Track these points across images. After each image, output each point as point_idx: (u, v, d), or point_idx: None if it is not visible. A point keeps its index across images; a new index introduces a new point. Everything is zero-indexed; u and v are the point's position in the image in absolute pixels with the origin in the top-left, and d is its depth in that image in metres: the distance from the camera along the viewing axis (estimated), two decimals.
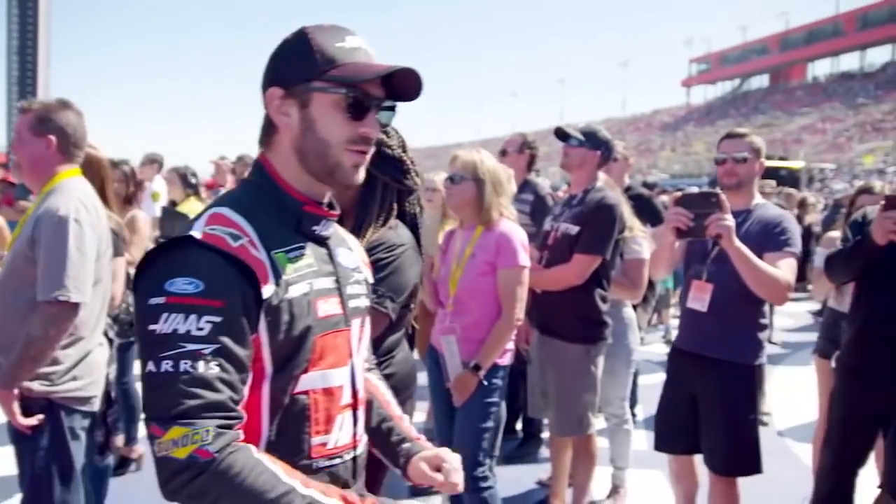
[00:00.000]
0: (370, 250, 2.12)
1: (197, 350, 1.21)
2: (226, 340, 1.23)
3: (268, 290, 1.29)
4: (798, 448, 5.12)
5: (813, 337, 5.12)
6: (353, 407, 1.45)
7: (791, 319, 9.79)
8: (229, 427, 1.21)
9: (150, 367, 1.21)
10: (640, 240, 3.80)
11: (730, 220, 2.80)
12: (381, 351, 2.25)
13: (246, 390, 1.26)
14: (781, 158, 24.24)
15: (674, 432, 3.30)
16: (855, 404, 3.16)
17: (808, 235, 8.48)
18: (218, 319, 1.22)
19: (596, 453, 3.83)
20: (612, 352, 3.79)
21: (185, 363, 1.20)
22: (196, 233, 1.27)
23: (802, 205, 13.14)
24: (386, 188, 2.28)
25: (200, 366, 1.20)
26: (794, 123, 57.07)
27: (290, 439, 1.35)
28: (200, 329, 1.21)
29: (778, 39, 75.44)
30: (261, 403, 1.31)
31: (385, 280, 2.14)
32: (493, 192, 3.06)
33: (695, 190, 3.06)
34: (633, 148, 45.96)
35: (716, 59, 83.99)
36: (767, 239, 2.98)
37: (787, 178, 19.66)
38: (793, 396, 6.02)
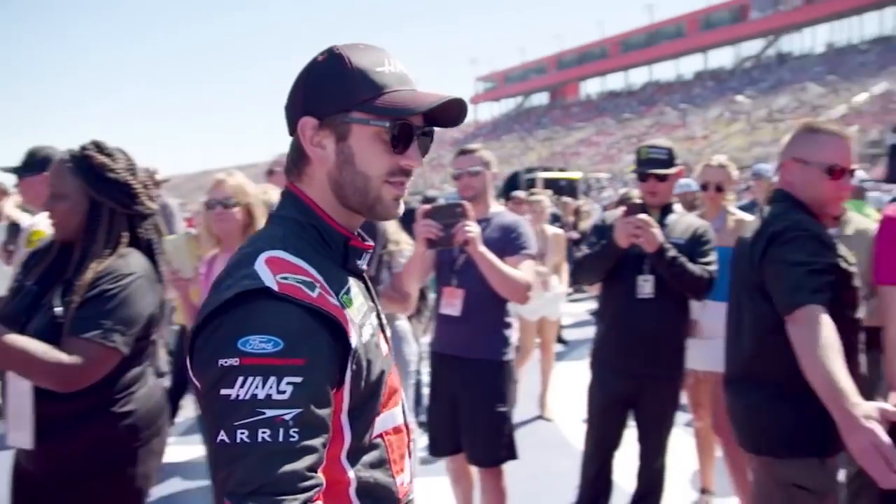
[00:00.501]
0: (97, 280, 2.01)
1: (277, 416, 1.08)
2: (308, 403, 1.11)
3: (354, 339, 1.21)
4: (574, 438, 5.47)
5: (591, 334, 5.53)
6: (408, 441, 1.41)
7: (571, 318, 10.45)
8: (311, 500, 1.08)
9: (223, 436, 1.08)
10: (408, 253, 3.89)
11: (475, 228, 3.00)
12: (118, 387, 2.12)
13: (325, 451, 1.14)
14: (561, 170, 25.83)
15: (443, 434, 3.48)
16: (609, 394, 3.45)
17: (582, 240, 9.14)
18: (299, 380, 1.10)
19: None
20: None
21: (264, 432, 1.07)
22: (270, 284, 1.14)
23: (577, 212, 14.15)
24: (114, 214, 2.15)
25: (281, 434, 1.07)
26: (571, 137, 61.52)
27: (379, 484, 1.29)
28: (282, 392, 1.09)
29: (554, 60, 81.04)
30: (340, 456, 1.23)
31: (113, 312, 2.01)
32: (262, 217, 3.04)
33: (442, 202, 3.23)
34: (425, 164, 47.00)
35: (500, 77, 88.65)
36: (506, 244, 3.24)
37: (567, 188, 21.02)
38: (572, 391, 6.43)
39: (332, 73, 1.25)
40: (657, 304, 3.31)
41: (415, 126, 1.28)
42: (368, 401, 1.26)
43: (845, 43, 56.48)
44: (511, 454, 3.36)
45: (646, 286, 3.34)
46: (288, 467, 1.06)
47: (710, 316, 3.92)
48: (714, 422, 4.00)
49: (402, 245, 3.58)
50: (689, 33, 65.13)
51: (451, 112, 1.32)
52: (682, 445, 4.56)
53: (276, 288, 1.14)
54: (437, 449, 3.57)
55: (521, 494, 3.99)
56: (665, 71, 68.54)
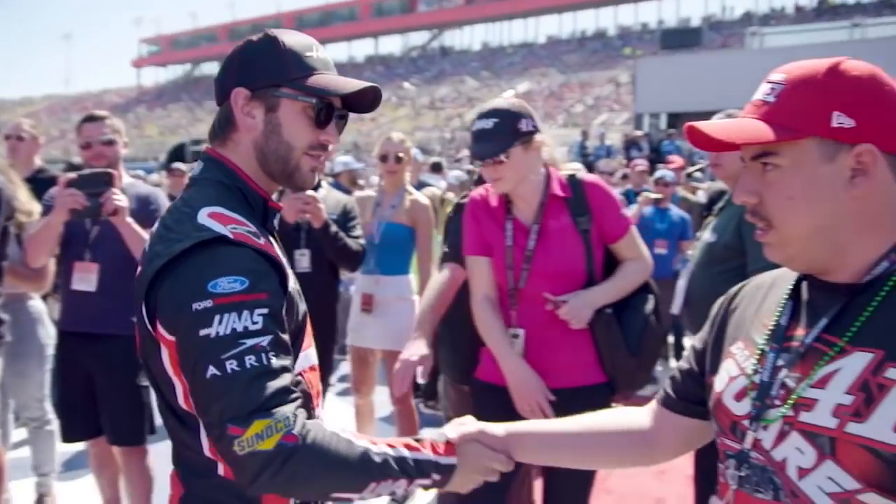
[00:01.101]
0: None
1: (256, 343, 1.23)
2: (276, 329, 1.27)
3: (290, 282, 1.39)
4: None
5: None
6: (321, 378, 1.58)
7: None
8: (298, 407, 1.25)
9: (213, 370, 1.21)
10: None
11: (124, 198, 2.84)
12: None
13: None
14: None
15: (80, 418, 3.25)
16: None
17: None
18: (266, 311, 1.25)
19: None
20: (19, 351, 3.42)
21: (250, 359, 1.22)
22: (225, 232, 1.29)
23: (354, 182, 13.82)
24: None
25: (263, 358, 1.23)
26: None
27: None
28: (255, 323, 1.23)
29: (227, 29, 78.15)
30: None
31: None
32: None
33: (87, 171, 2.95)
34: (72, 131, 42.52)
35: (166, 42, 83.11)
36: (145, 216, 3.06)
37: None
38: None
39: (267, 52, 1.40)
40: (314, 278, 3.38)
41: (335, 107, 1.44)
42: (294, 340, 1.40)
43: (497, 44, 62.71)
44: (153, 429, 3.24)
45: (302, 260, 3.45)
46: (275, 384, 1.22)
47: (384, 291, 4.09)
48: (392, 397, 4.04)
49: (35, 216, 3.18)
50: (362, 18, 67.21)
51: (366, 98, 1.48)
52: (343, 416, 4.74)
53: (231, 236, 1.29)
54: (75, 433, 3.32)
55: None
56: (338, 52, 69.91)
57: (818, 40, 20.94)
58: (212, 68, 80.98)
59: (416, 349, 2.47)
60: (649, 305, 2.57)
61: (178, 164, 8.40)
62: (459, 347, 2.77)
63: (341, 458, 1.25)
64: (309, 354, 1.51)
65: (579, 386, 2.48)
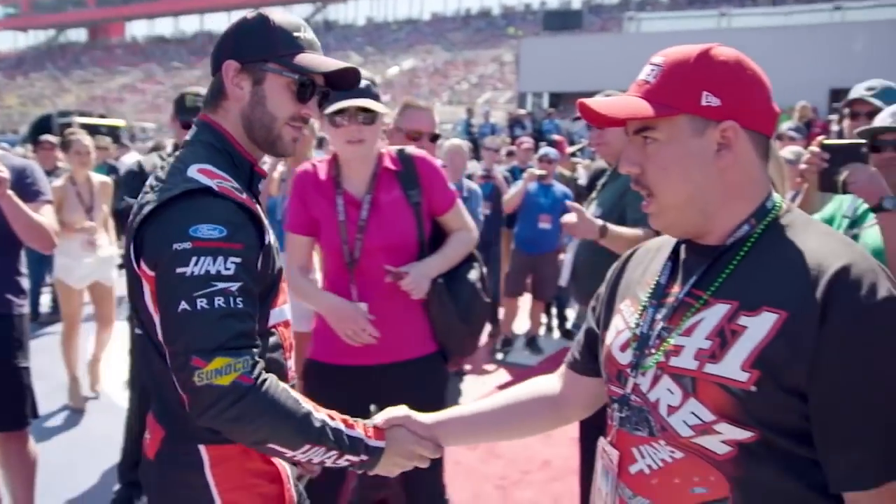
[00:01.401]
0: None
1: (227, 287, 1.35)
2: (246, 278, 1.39)
3: (268, 237, 1.52)
4: (120, 399, 5.23)
5: None
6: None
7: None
8: (258, 355, 1.37)
9: (184, 305, 1.33)
10: None
11: (5, 169, 2.70)
12: None
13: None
14: (102, 116, 23.88)
15: None
16: None
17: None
18: (239, 260, 1.38)
19: None
20: None
21: (219, 300, 1.33)
22: (211, 185, 1.42)
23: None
24: None
25: (231, 301, 1.34)
26: (114, 81, 56.80)
27: (276, 363, 1.56)
28: (228, 269, 1.35)
29: None
30: None
31: None
32: None
33: None
34: None
35: (27, 4, 77.31)
36: (20, 189, 2.91)
37: (110, 136, 19.48)
38: (118, 355, 6.09)
39: (259, 29, 1.55)
40: None
41: (317, 84, 1.58)
42: (269, 291, 1.55)
43: (382, 20, 62.11)
44: (35, 412, 3.12)
45: None
46: (240, 327, 1.34)
47: None
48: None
49: None
50: None
51: (348, 78, 1.62)
52: None
53: (216, 188, 1.42)
54: None
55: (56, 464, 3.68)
56: (218, 23, 67.26)
57: (689, 27, 22.04)
58: (79, 35, 76.19)
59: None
60: (475, 273, 2.67)
61: (46, 137, 7.92)
62: None
63: (287, 411, 1.36)
64: (284, 309, 1.63)
65: (416, 357, 2.56)
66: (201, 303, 1.32)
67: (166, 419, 1.56)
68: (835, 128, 9.81)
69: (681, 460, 1.17)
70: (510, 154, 8.96)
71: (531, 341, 6.93)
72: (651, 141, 1.23)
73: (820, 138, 2.73)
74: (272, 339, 1.57)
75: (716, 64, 1.20)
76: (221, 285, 1.34)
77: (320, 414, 1.41)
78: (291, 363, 1.66)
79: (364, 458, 1.45)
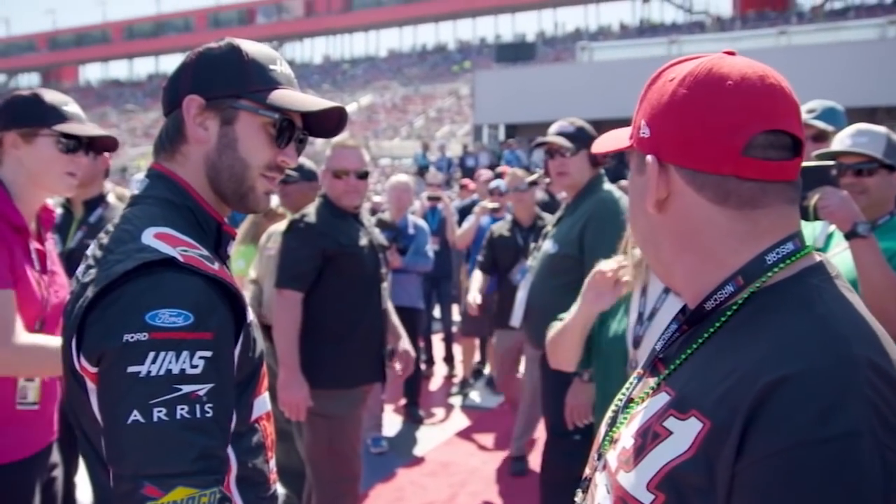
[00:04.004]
0: None
1: (193, 392, 1.06)
2: (219, 377, 1.10)
3: (249, 314, 1.25)
4: None
5: None
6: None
7: None
8: (223, 482, 1.08)
9: (136, 416, 1.03)
10: None
11: None
12: None
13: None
14: None
15: None
16: None
17: None
18: (209, 354, 1.09)
19: None
20: None
21: (182, 409, 1.04)
22: (173, 254, 1.12)
23: None
24: None
25: (198, 410, 1.05)
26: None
27: (257, 470, 1.27)
28: (195, 367, 1.07)
29: (47, 38, 72.84)
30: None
31: None
32: None
33: None
34: None
35: None
36: None
37: None
38: None
39: (228, 60, 1.27)
40: None
41: (296, 127, 1.31)
42: (250, 380, 1.26)
43: (339, 57, 62.33)
44: None
45: None
46: (206, 445, 1.05)
47: None
48: None
49: None
50: (198, 29, 64.65)
51: (331, 120, 1.36)
52: None
53: (180, 259, 1.13)
54: None
55: None
56: (172, 64, 67.24)
57: (640, 55, 22.31)
58: (31, 80, 75.22)
59: None
60: None
61: None
62: None
63: None
64: (265, 399, 1.35)
65: None
66: (159, 413, 1.03)
67: None
68: None
69: None
70: (463, 188, 8.78)
71: (490, 381, 6.66)
72: None
73: None
74: (254, 439, 1.29)
75: (655, 88, 0.96)
76: (187, 388, 1.05)
77: None
78: (273, 464, 1.37)
79: None
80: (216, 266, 1.19)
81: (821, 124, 3.04)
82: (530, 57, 27.94)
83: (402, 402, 5.90)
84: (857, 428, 0.73)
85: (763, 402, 0.77)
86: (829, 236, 2.40)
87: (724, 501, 0.78)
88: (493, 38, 53.53)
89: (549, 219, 4.24)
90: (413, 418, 5.71)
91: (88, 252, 1.27)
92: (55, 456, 2.23)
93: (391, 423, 5.58)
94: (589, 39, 36.32)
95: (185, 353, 1.06)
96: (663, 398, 0.91)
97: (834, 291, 0.88)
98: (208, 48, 1.30)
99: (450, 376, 6.71)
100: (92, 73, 78.62)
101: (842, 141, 2.38)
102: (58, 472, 2.26)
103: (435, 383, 6.93)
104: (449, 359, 6.98)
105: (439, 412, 6.02)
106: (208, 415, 1.07)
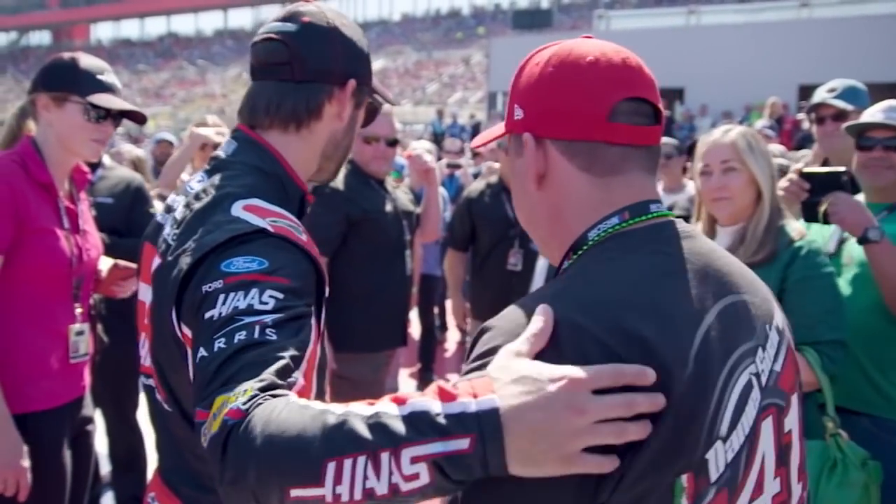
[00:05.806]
0: None
1: (256, 321, 1.00)
2: (291, 316, 1.03)
3: (327, 288, 1.24)
4: None
5: None
6: None
7: None
8: (273, 387, 0.91)
9: (202, 352, 1.00)
10: None
11: None
12: None
13: (302, 377, 0.99)
14: None
15: None
16: None
17: None
18: (282, 296, 1.04)
19: None
20: None
21: (240, 334, 0.98)
22: (264, 226, 1.13)
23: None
24: None
25: (257, 332, 0.98)
26: None
27: None
28: (264, 304, 1.02)
29: None
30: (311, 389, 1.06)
31: None
32: None
33: None
34: None
35: None
36: None
37: None
38: None
39: (359, 47, 1.41)
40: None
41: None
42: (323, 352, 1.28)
43: (352, 20, 61.53)
44: None
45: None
46: (252, 357, 0.96)
47: None
48: None
49: None
50: None
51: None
52: None
53: (270, 229, 1.13)
54: None
55: None
56: (185, 25, 66.51)
57: (659, 24, 22.04)
58: (42, 38, 74.90)
59: None
60: None
61: None
62: None
63: (288, 426, 0.82)
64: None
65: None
66: (219, 343, 0.98)
67: (185, 491, 1.30)
68: (806, 125, 9.78)
69: None
70: (476, 156, 8.78)
71: None
72: None
73: (798, 166, 2.59)
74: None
75: (526, 71, 1.02)
76: (249, 319, 1.00)
77: (354, 406, 0.84)
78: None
79: (462, 443, 0.77)
80: (304, 237, 1.21)
81: (840, 104, 3.01)
82: (547, 24, 27.66)
83: (417, 366, 6.00)
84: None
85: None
86: (842, 241, 2.35)
87: None
88: (508, 3, 52.87)
89: None
90: (427, 383, 5.81)
91: (178, 215, 1.28)
92: (89, 409, 2.32)
93: (406, 387, 5.68)
94: (606, 7, 35.86)
95: (254, 291, 1.03)
96: None
97: (606, 255, 0.94)
98: (334, 27, 1.37)
99: (463, 342, 6.79)
100: (104, 31, 77.94)
101: (873, 114, 2.36)
102: (92, 427, 2.34)
103: (449, 349, 7.04)
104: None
105: (453, 378, 6.10)
106: (269, 337, 0.98)
